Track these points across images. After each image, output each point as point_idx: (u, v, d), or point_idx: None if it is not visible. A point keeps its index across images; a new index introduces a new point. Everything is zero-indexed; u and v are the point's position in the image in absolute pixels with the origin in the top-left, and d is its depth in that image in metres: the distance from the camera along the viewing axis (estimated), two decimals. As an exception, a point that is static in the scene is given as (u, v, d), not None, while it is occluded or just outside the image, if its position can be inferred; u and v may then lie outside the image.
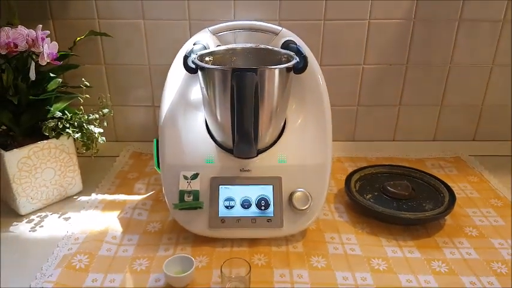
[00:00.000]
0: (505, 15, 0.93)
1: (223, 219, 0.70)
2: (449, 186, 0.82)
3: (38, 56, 0.71)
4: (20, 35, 0.66)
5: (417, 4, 0.92)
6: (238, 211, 0.70)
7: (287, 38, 0.80)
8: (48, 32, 0.71)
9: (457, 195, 0.80)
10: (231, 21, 0.84)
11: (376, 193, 0.81)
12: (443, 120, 1.04)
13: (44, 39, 0.69)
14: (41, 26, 0.70)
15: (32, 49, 0.69)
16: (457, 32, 0.95)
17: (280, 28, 0.82)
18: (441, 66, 0.99)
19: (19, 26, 0.68)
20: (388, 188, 0.80)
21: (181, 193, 0.71)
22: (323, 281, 0.63)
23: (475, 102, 1.03)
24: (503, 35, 0.95)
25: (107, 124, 0.85)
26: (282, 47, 0.78)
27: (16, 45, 0.66)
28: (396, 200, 0.79)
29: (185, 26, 0.93)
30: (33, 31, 0.69)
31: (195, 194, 0.71)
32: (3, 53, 0.67)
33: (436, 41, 0.96)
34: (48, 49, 0.69)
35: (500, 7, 0.93)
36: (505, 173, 0.94)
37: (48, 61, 0.71)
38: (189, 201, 0.71)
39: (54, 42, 0.72)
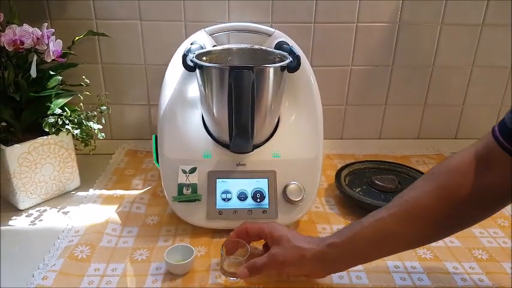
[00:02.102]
0: (484, 20, 0.99)
1: (220, 211, 0.73)
2: (432, 180, 0.86)
3: (41, 53, 0.74)
4: (26, 32, 0.69)
5: (402, 9, 0.97)
6: (235, 203, 0.74)
7: (280, 39, 0.84)
8: (53, 30, 0.73)
9: (440, 189, 0.84)
10: (227, 22, 0.88)
11: (364, 187, 0.85)
12: (426, 119, 1.10)
13: (49, 37, 0.71)
14: (46, 24, 0.72)
15: (37, 47, 0.71)
16: (439, 35, 1.00)
17: (273, 30, 0.86)
18: (424, 67, 1.04)
19: (24, 24, 0.70)
20: (376, 181, 0.85)
21: (180, 186, 0.74)
22: (316, 267, 0.67)
23: (456, 102, 1.08)
24: (482, 38, 1.01)
25: (105, 121, 0.87)
26: (275, 48, 0.82)
27: (22, 43, 0.69)
28: (383, 193, 0.83)
29: (180, 27, 0.96)
30: (38, 29, 0.71)
31: (194, 187, 0.74)
32: (10, 49, 0.69)
33: (419, 43, 1.01)
34: (54, 47, 0.72)
35: (479, 12, 0.98)
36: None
37: (53, 58, 0.73)
38: (187, 194, 0.74)
39: (59, 40, 0.74)
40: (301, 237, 0.60)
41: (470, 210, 0.54)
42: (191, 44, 0.80)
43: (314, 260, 0.57)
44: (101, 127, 0.84)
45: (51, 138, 0.81)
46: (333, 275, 0.64)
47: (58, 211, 0.81)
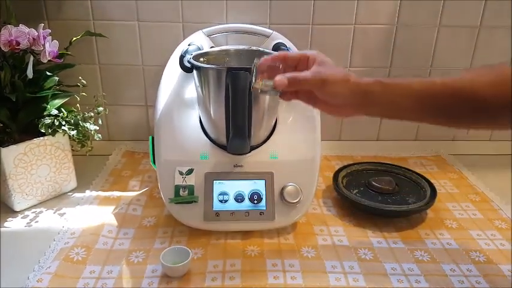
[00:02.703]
0: (481, 21, 0.99)
1: (217, 213, 0.73)
2: (430, 182, 0.86)
3: (38, 54, 0.73)
4: (22, 33, 0.68)
5: (400, 10, 0.97)
6: (232, 205, 0.73)
7: (278, 41, 0.84)
8: (50, 30, 0.73)
9: (437, 191, 0.84)
10: (225, 24, 0.88)
11: (362, 188, 0.85)
12: (424, 121, 1.09)
13: (45, 37, 0.71)
14: (42, 25, 0.72)
15: (33, 47, 0.71)
16: (437, 36, 1.00)
17: (271, 31, 0.86)
18: (422, 69, 1.04)
19: (20, 25, 0.70)
20: (373, 183, 0.84)
21: (177, 188, 0.73)
22: (313, 269, 0.66)
23: (454, 104, 1.08)
24: (480, 40, 1.01)
25: (102, 122, 0.87)
26: (273, 49, 0.82)
27: (18, 43, 0.68)
28: (381, 195, 0.83)
29: (178, 28, 0.96)
30: (34, 30, 0.71)
31: (190, 189, 0.73)
32: (6, 50, 0.68)
33: (417, 45, 1.01)
34: (50, 47, 0.71)
35: (477, 14, 0.98)
36: (482, 170, 1.00)
37: (49, 59, 0.73)
38: (184, 196, 0.73)
39: (55, 41, 0.74)
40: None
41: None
42: (189, 45, 0.80)
43: (356, 87, 0.56)
44: (97, 128, 0.84)
45: (48, 139, 0.81)
46: (329, 276, 0.65)
47: (54, 213, 0.81)
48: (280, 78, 0.56)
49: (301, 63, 0.59)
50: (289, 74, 0.56)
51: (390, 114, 0.60)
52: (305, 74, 0.56)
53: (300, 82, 0.56)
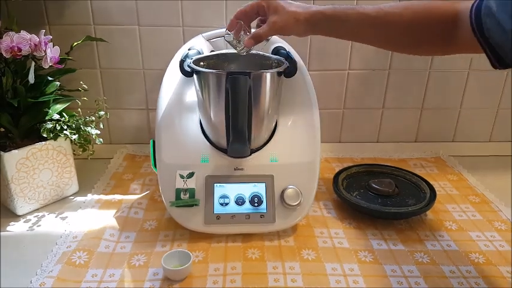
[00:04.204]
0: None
1: (218, 216, 0.73)
2: (430, 184, 0.86)
3: (39, 60, 0.74)
4: (24, 39, 0.69)
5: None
6: (232, 208, 0.74)
7: (277, 44, 0.84)
8: (51, 36, 0.74)
9: (437, 192, 0.84)
10: (224, 27, 0.88)
11: (362, 190, 0.86)
12: (424, 123, 1.10)
13: (46, 43, 0.72)
14: (43, 31, 0.72)
15: (34, 53, 0.72)
16: (436, 39, 1.00)
17: (270, 35, 0.86)
18: (421, 71, 1.04)
19: (22, 31, 0.71)
20: (373, 185, 0.85)
21: (178, 191, 0.74)
22: (313, 271, 0.67)
23: (454, 105, 1.08)
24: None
25: (103, 126, 0.87)
26: (272, 53, 0.82)
27: (20, 49, 0.69)
28: (381, 197, 0.83)
29: (179, 32, 0.97)
30: (35, 36, 0.71)
31: (191, 192, 0.74)
32: (8, 56, 0.69)
33: (416, 47, 1.01)
34: (51, 53, 0.72)
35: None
36: (482, 171, 1.00)
37: (50, 64, 0.73)
38: (185, 199, 0.74)
39: (56, 47, 0.74)
40: (294, 3, 0.69)
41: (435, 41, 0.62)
42: (189, 49, 0.81)
43: (305, 23, 0.67)
44: (98, 132, 0.84)
45: (50, 143, 0.81)
46: (330, 278, 0.65)
47: (56, 216, 0.81)
48: (248, 40, 0.69)
49: (260, 9, 0.70)
50: (253, 34, 0.69)
51: (337, 36, 0.69)
52: (264, 29, 0.69)
53: (262, 36, 0.69)
